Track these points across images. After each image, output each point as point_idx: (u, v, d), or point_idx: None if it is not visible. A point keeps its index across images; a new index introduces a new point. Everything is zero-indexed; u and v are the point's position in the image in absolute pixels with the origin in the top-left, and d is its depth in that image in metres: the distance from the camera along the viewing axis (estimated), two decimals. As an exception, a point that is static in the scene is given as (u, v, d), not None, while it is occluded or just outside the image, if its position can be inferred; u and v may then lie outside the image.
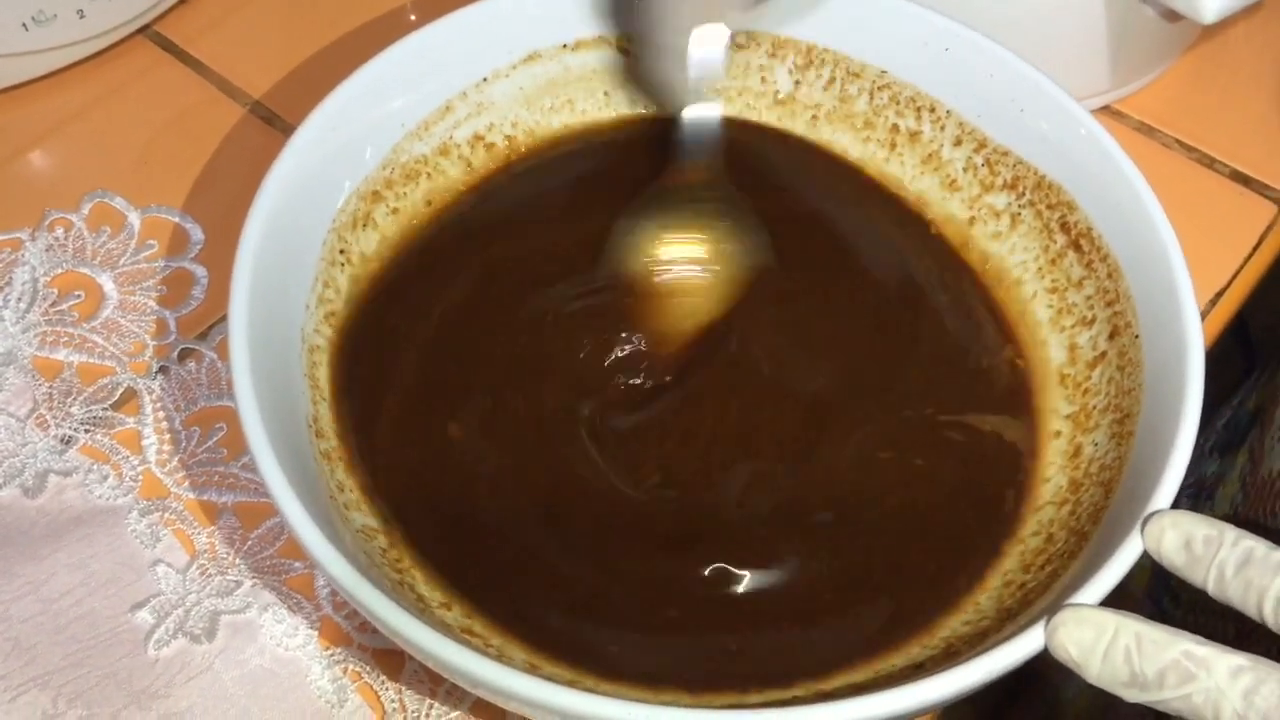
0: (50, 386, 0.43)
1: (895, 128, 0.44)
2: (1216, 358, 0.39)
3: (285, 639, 0.38)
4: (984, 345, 0.40)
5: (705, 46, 0.37)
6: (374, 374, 0.38)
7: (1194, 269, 0.36)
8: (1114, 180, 0.38)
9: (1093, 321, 0.39)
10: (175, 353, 0.44)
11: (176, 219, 0.48)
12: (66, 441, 0.42)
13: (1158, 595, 0.48)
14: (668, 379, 0.38)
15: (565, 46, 0.43)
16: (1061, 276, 0.40)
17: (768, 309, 0.40)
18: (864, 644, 0.34)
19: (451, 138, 0.43)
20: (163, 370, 0.44)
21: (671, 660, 0.33)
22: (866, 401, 0.38)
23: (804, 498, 0.36)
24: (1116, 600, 0.30)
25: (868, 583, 0.35)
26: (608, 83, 0.45)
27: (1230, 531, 0.29)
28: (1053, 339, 0.40)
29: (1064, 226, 0.40)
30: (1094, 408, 0.37)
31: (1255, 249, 0.48)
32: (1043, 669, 0.30)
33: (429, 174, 0.42)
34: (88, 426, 0.42)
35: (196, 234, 0.47)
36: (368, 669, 0.37)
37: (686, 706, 0.31)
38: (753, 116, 0.45)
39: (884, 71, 0.43)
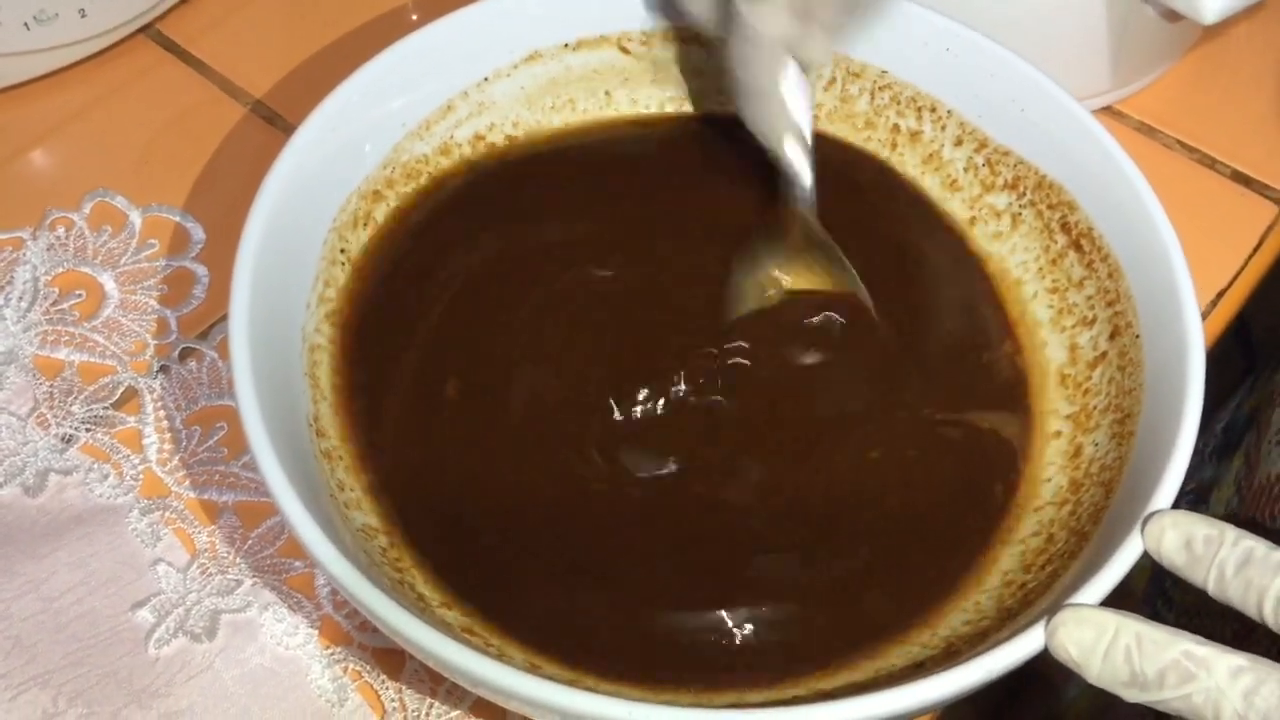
0: (51, 385, 0.43)
1: (896, 128, 0.44)
2: (1217, 358, 0.39)
3: (285, 638, 0.38)
4: (986, 339, 0.40)
5: (795, 82, 0.36)
6: (376, 373, 0.38)
7: (1195, 269, 0.36)
8: (1115, 180, 0.38)
9: (1093, 321, 0.39)
10: (176, 352, 0.44)
11: (177, 218, 0.48)
12: (67, 440, 0.42)
13: (1152, 599, 0.48)
14: (672, 378, 0.38)
15: (566, 46, 0.43)
16: (1062, 276, 0.40)
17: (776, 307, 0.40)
18: (864, 643, 0.34)
19: (452, 137, 0.43)
20: (163, 369, 0.44)
21: (672, 660, 0.33)
22: (870, 398, 0.38)
23: (805, 497, 0.36)
24: (1117, 600, 0.30)
25: (868, 582, 0.35)
26: (609, 82, 0.45)
27: (1230, 531, 0.29)
28: (1053, 339, 0.40)
29: (1065, 226, 0.40)
30: (1094, 408, 0.37)
31: (1256, 249, 0.48)
32: (1043, 669, 0.30)
33: (430, 173, 0.42)
34: (88, 425, 0.42)
35: (197, 233, 0.47)
36: (368, 668, 0.37)
37: (686, 706, 0.31)
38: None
39: (885, 71, 0.43)
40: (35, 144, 0.50)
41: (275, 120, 0.51)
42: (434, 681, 0.37)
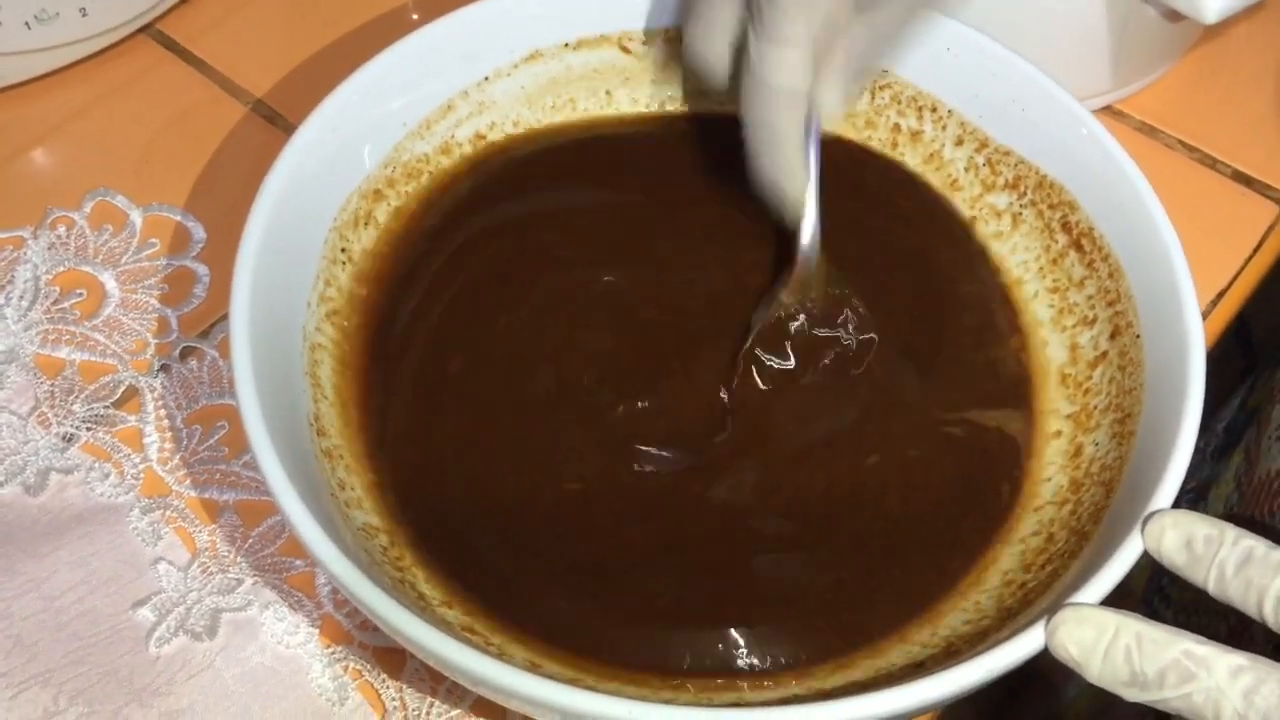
0: (52, 384, 0.43)
1: (897, 127, 0.44)
2: (1217, 358, 0.39)
3: (286, 637, 0.38)
4: (994, 335, 0.40)
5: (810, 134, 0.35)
6: (378, 373, 0.38)
7: (1195, 269, 0.36)
8: (1116, 180, 0.38)
9: (1094, 321, 0.39)
10: (177, 351, 0.44)
11: (178, 217, 0.48)
12: (68, 439, 0.42)
13: (1149, 596, 0.48)
14: (674, 378, 0.38)
15: (567, 45, 0.43)
16: (1063, 276, 0.40)
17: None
18: (864, 642, 0.34)
19: (453, 136, 0.43)
20: (164, 368, 0.44)
21: (673, 659, 0.33)
22: (873, 398, 0.38)
23: (806, 497, 0.36)
24: (1117, 600, 0.30)
25: (868, 581, 0.35)
26: (610, 81, 0.45)
27: (1231, 531, 0.29)
28: (1054, 338, 0.40)
29: (1065, 226, 0.40)
30: (1095, 407, 0.37)
31: (1256, 249, 0.48)
32: (1043, 668, 0.30)
33: (431, 173, 0.42)
34: (89, 424, 0.42)
35: (198, 232, 0.47)
36: (368, 667, 0.37)
37: (686, 705, 0.31)
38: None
39: (886, 71, 0.43)
40: (36, 143, 0.51)
41: (276, 120, 0.51)
42: (434, 680, 0.37)
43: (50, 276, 0.46)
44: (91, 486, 0.41)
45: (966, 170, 0.43)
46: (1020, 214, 0.42)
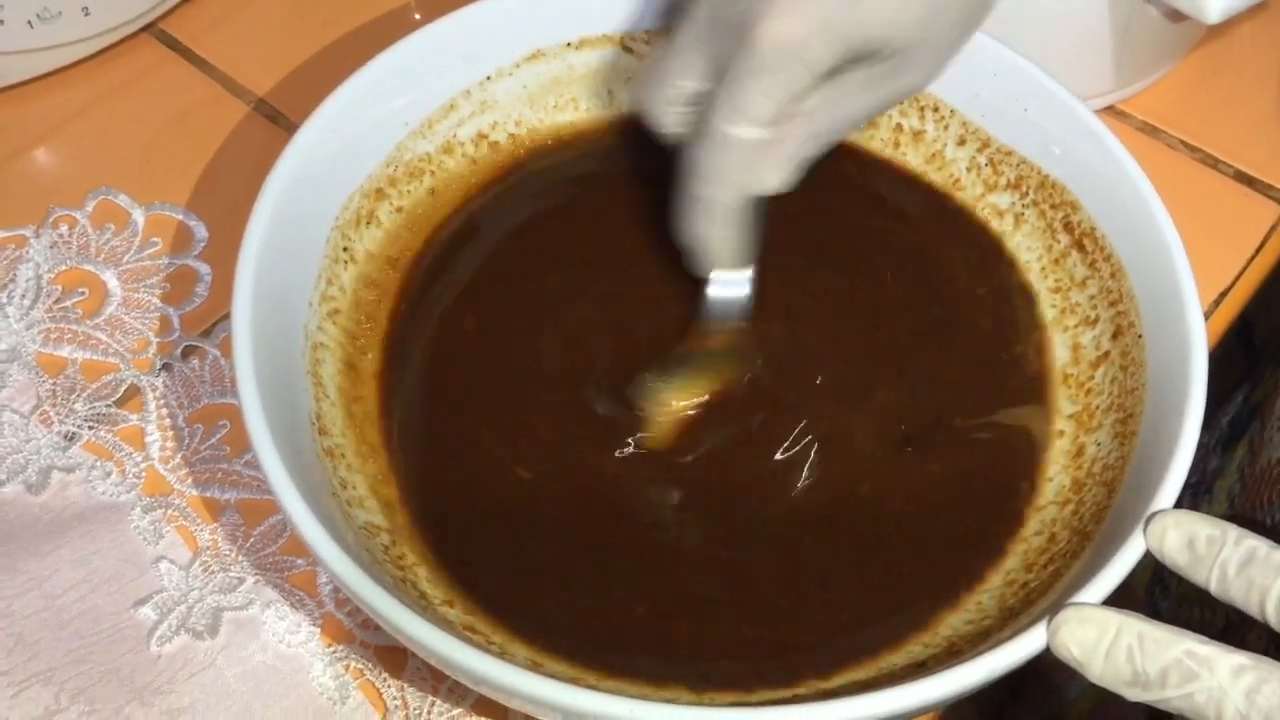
0: (54, 383, 0.43)
1: (899, 127, 0.44)
2: (1219, 359, 0.39)
3: (288, 636, 0.38)
4: (1016, 331, 0.40)
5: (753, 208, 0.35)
6: (382, 371, 0.38)
7: (1197, 269, 0.36)
8: (1118, 180, 0.38)
9: (1096, 321, 0.39)
10: (178, 350, 0.44)
11: (180, 216, 0.48)
12: (70, 438, 0.42)
13: (1150, 587, 0.48)
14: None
15: (569, 45, 0.43)
16: (1065, 276, 0.40)
17: (803, 306, 0.40)
18: (867, 642, 0.34)
19: (455, 136, 0.43)
20: (166, 367, 0.44)
21: (674, 658, 0.33)
22: (888, 398, 0.38)
23: (809, 495, 0.36)
24: (1119, 599, 0.30)
25: (871, 581, 0.35)
26: (612, 81, 0.45)
27: (1233, 531, 0.29)
28: (1056, 338, 0.40)
29: (1067, 226, 0.40)
30: (1097, 407, 0.37)
31: (1258, 250, 0.48)
32: (1045, 668, 0.30)
33: (433, 172, 0.42)
34: (91, 423, 0.42)
35: (200, 231, 0.47)
36: (370, 666, 0.37)
37: (689, 704, 0.31)
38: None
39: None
40: (38, 142, 0.51)
41: (278, 119, 0.51)
42: (436, 679, 0.37)
43: (52, 275, 0.46)
44: (93, 485, 0.41)
45: (968, 170, 0.43)
46: (1022, 214, 0.42)
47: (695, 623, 0.34)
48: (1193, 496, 0.48)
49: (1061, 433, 0.38)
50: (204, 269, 0.46)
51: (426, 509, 0.36)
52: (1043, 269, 0.41)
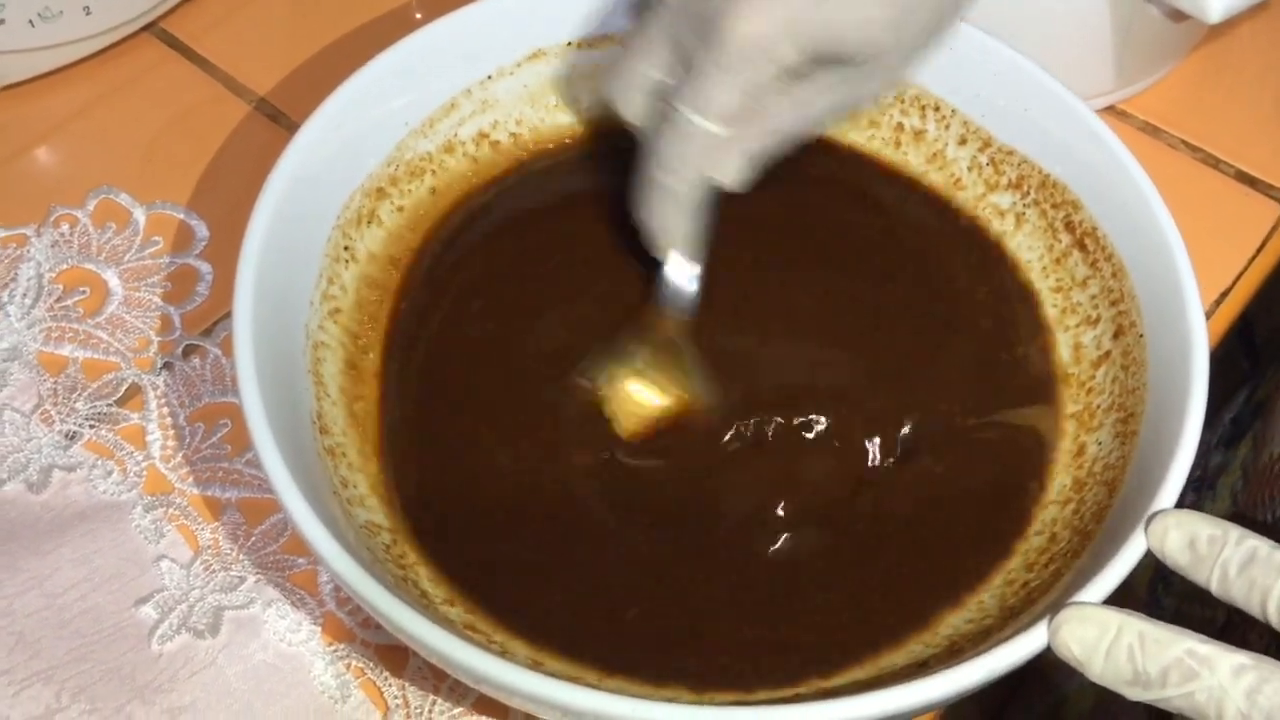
0: (55, 382, 0.43)
1: (900, 126, 0.44)
2: (1220, 359, 0.39)
3: (289, 634, 0.38)
4: (1018, 332, 0.40)
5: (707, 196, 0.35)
6: (384, 370, 0.38)
7: (1198, 269, 0.36)
8: (1119, 180, 0.38)
9: (1097, 321, 0.39)
10: (180, 349, 0.44)
11: (181, 215, 0.48)
12: (71, 437, 0.42)
13: (1152, 584, 0.48)
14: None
15: (570, 44, 0.43)
16: (1066, 276, 0.40)
17: (805, 308, 0.40)
18: (868, 642, 0.34)
19: (456, 135, 0.43)
20: (167, 366, 0.44)
21: (675, 657, 0.33)
22: (891, 399, 0.38)
23: (812, 495, 0.36)
24: (1120, 599, 0.30)
25: (872, 580, 0.35)
26: (613, 81, 0.45)
27: (1234, 531, 0.29)
28: (1057, 338, 0.40)
29: (1069, 226, 0.40)
30: (1098, 407, 0.37)
31: (1259, 250, 0.48)
32: (1046, 667, 0.30)
33: (434, 171, 0.42)
34: (92, 422, 0.42)
35: (201, 230, 0.47)
36: (371, 665, 0.37)
37: (689, 703, 0.31)
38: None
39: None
40: (40, 141, 0.51)
41: (279, 118, 0.51)
42: (437, 678, 0.37)
43: (53, 274, 0.46)
44: (94, 484, 0.41)
45: (970, 170, 0.43)
46: (1023, 214, 0.42)
47: (696, 622, 0.34)
48: (1196, 493, 0.48)
49: (1063, 432, 0.38)
50: (205, 268, 0.46)
51: (427, 508, 0.36)
52: (1044, 269, 0.41)
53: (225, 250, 0.47)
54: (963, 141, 0.43)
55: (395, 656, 0.38)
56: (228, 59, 0.53)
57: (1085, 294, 0.39)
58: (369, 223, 0.40)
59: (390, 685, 0.37)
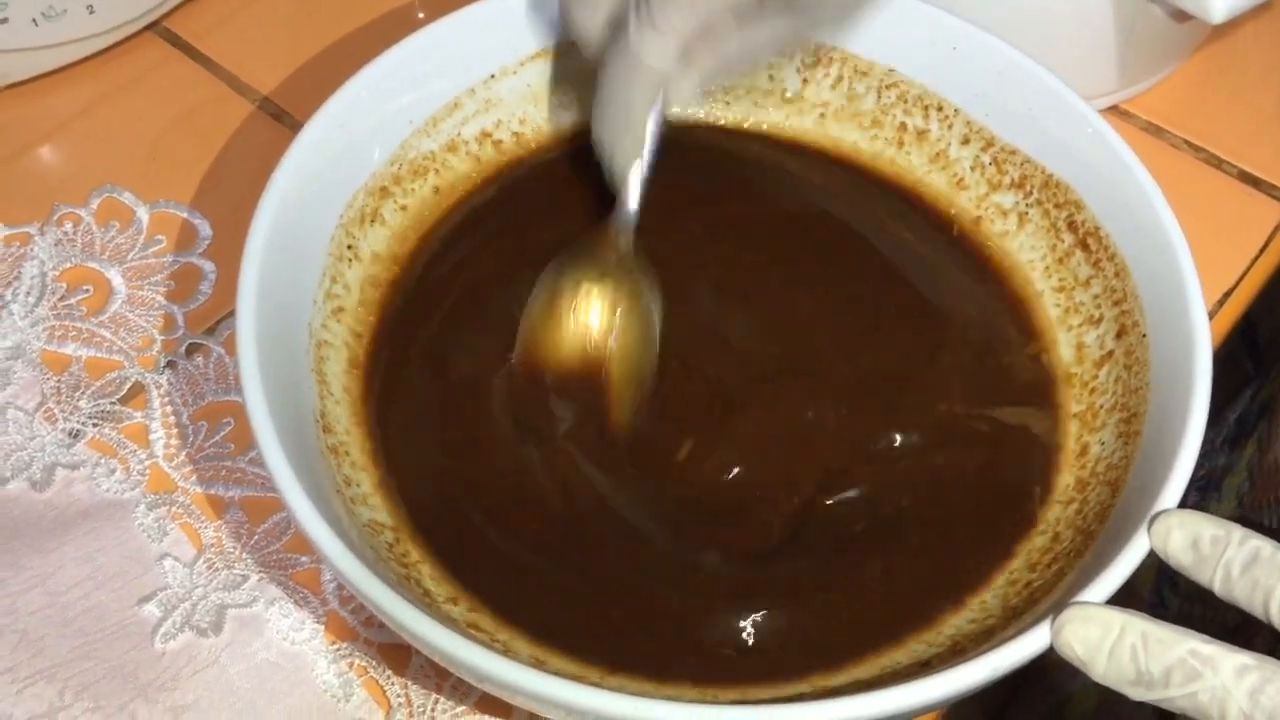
0: (58, 380, 0.43)
1: (903, 126, 0.44)
2: (1223, 359, 0.39)
3: (291, 633, 0.38)
4: (1021, 334, 0.40)
5: (657, 114, 0.37)
6: (385, 370, 0.38)
7: (1201, 269, 0.36)
8: (1122, 180, 0.38)
9: (1100, 320, 0.39)
10: (183, 347, 0.44)
11: (185, 214, 0.48)
12: (74, 435, 0.42)
13: (1158, 584, 0.48)
14: (678, 375, 0.38)
15: (572, 43, 0.43)
16: (1069, 275, 0.40)
17: (807, 310, 0.40)
18: (871, 640, 0.34)
19: (459, 134, 0.43)
20: (170, 365, 0.44)
21: (677, 655, 0.33)
22: (888, 399, 0.38)
23: (814, 494, 0.36)
24: (1123, 599, 0.30)
25: (875, 580, 0.35)
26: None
27: (1237, 531, 0.29)
28: (1060, 338, 0.40)
29: (1071, 225, 0.40)
30: (1101, 407, 0.37)
31: (1263, 250, 0.48)
32: (1049, 667, 0.30)
33: (437, 170, 0.42)
34: (95, 420, 0.42)
35: (205, 229, 0.47)
36: (374, 663, 0.37)
37: (692, 701, 0.31)
38: (761, 116, 0.45)
39: (892, 70, 0.43)
40: (43, 140, 0.51)
41: (282, 117, 0.51)
42: (439, 677, 0.37)
43: (57, 273, 0.46)
44: (97, 482, 0.41)
45: (972, 169, 0.43)
46: (1026, 213, 0.42)
47: (699, 620, 0.34)
48: (1201, 494, 0.48)
49: (1066, 432, 0.38)
50: (208, 266, 0.46)
51: (430, 507, 0.36)
52: (1047, 268, 0.41)
53: (228, 249, 0.47)
54: (965, 141, 0.43)
55: (398, 655, 0.38)
56: (231, 58, 0.53)
57: (1088, 294, 0.39)
58: (372, 221, 0.40)
59: (393, 684, 0.37)
